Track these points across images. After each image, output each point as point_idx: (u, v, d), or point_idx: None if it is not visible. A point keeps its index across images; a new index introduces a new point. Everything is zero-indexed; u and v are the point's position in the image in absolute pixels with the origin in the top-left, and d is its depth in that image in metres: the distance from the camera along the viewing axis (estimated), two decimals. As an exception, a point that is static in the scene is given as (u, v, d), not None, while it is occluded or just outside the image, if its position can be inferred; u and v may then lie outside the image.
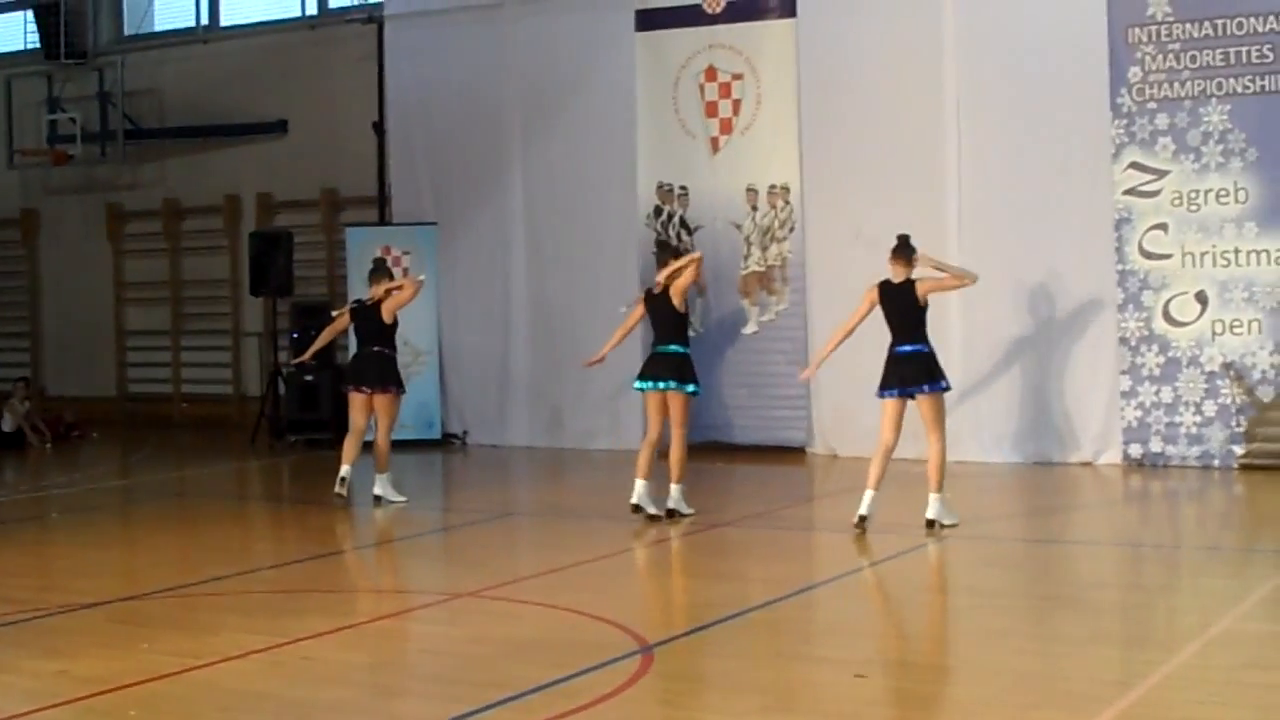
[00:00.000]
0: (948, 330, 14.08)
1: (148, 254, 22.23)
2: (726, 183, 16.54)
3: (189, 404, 21.88)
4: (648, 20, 16.96)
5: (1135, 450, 14.42)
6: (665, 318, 12.03)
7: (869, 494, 11.06)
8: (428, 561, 11.56)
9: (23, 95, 22.72)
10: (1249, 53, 13.96)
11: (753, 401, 16.26)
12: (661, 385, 11.86)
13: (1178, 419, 14.26)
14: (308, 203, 20.58)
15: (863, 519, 11.01)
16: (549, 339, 17.57)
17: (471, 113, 18.01)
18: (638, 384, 12.07)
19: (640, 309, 12.30)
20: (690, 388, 11.91)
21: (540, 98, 17.63)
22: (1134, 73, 14.38)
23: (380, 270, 13.73)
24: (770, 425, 16.35)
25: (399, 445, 14.35)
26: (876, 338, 11.31)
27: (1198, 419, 14.19)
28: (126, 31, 22.69)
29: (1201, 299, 14.20)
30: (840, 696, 6.93)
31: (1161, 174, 14.32)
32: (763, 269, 16.36)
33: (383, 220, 18.97)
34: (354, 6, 20.52)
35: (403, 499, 13.35)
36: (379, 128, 19.00)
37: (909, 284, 11.08)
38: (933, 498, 11.05)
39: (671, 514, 11.91)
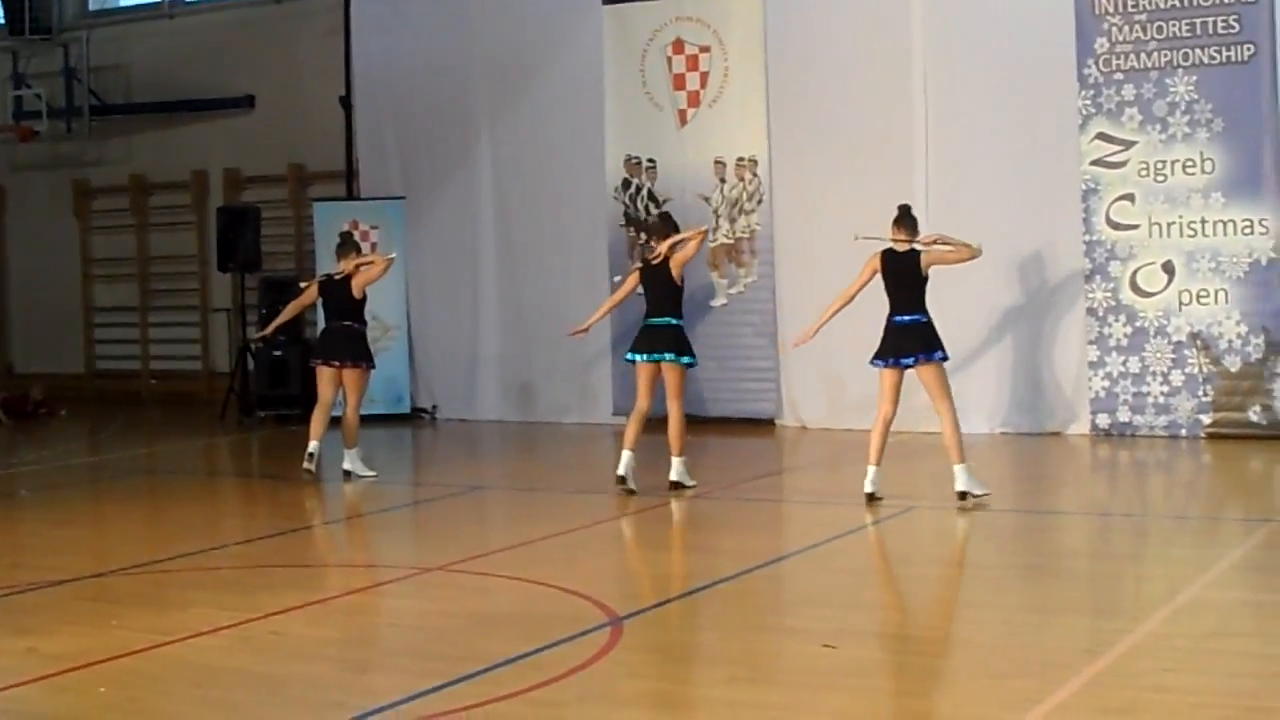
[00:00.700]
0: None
1: (115, 230, 22.12)
2: (694, 155, 16.50)
3: (157, 380, 21.80)
4: (615, -8, 16.94)
5: (1103, 420, 14.48)
6: (662, 290, 11.96)
7: (871, 469, 10.96)
8: (397, 536, 11.55)
9: (-13, 71, 22.57)
10: (1215, 23, 13.98)
11: (722, 374, 16.24)
12: (657, 357, 11.83)
13: (1145, 389, 14.32)
14: (275, 178, 20.49)
15: (870, 496, 10.92)
16: (518, 313, 17.55)
17: (439, 86, 17.96)
18: (631, 355, 12.01)
19: (633, 280, 12.24)
20: (686, 359, 11.89)
21: (507, 71, 17.58)
22: (1100, 44, 14.40)
23: (348, 244, 13.66)
24: (740, 398, 16.37)
25: (368, 420, 14.35)
26: (849, 312, 11.26)
27: (1165, 389, 14.26)
28: (91, 7, 22.57)
29: (1168, 269, 14.24)
30: (809, 667, 6.94)
31: (1128, 145, 14.35)
32: (731, 241, 16.35)
33: (350, 195, 18.89)
34: (320, -20, 20.42)
35: (372, 474, 13.33)
36: (346, 102, 18.90)
37: (913, 254, 10.93)
38: (958, 469, 10.81)
39: (675, 486, 11.89)
